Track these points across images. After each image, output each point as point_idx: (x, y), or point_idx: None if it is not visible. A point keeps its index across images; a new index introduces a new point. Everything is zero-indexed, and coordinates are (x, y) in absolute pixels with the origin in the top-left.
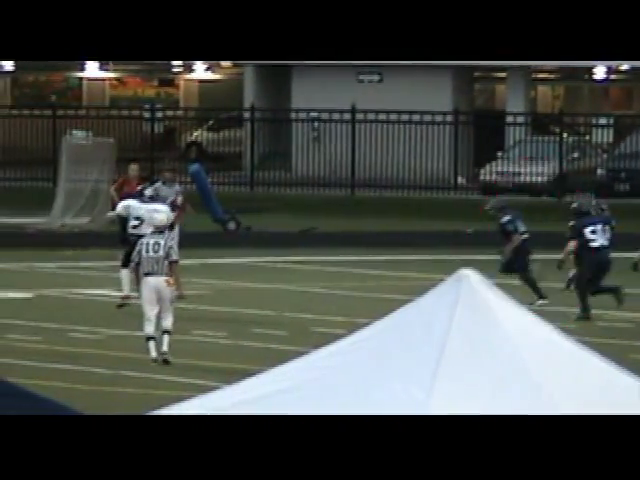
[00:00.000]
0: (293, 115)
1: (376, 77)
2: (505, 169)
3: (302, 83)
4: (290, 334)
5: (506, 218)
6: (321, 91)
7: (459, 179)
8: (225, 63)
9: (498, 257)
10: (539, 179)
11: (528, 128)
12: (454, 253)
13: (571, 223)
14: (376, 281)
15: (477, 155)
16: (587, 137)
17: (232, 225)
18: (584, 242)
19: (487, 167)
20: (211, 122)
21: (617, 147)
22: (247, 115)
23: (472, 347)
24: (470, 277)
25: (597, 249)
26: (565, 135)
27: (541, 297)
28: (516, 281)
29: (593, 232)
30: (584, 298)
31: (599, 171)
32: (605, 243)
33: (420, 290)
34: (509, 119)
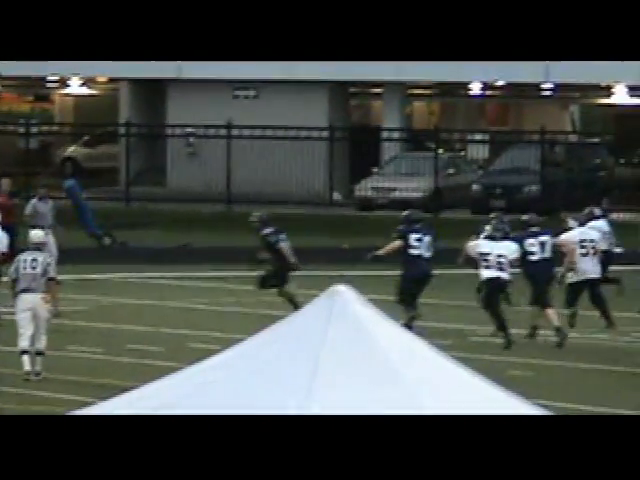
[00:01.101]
0: (168, 131)
1: (252, 93)
2: (380, 185)
3: (177, 98)
4: (166, 350)
5: (268, 230)
6: (197, 107)
7: (335, 195)
8: (101, 78)
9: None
10: (414, 195)
11: (404, 144)
12: (329, 269)
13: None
14: (252, 297)
15: (353, 171)
16: (462, 153)
17: (107, 240)
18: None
19: (362, 183)
20: (86, 137)
21: (492, 163)
22: (122, 130)
23: (345, 360)
24: (344, 293)
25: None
26: (440, 151)
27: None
28: (391, 297)
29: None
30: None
31: (474, 187)
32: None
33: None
34: (385, 135)
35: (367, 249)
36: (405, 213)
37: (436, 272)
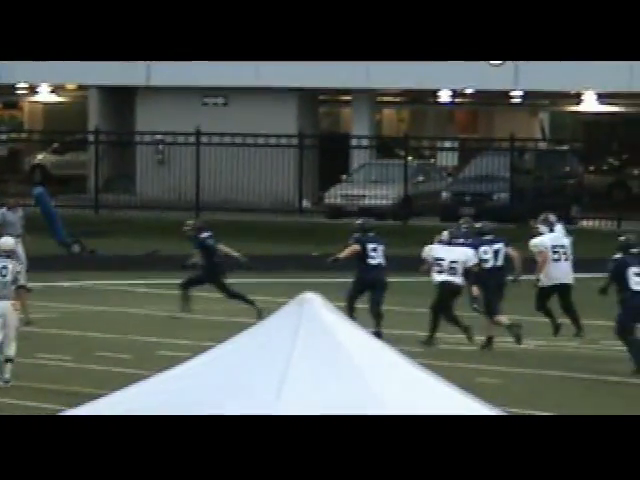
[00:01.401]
0: (138, 138)
1: (221, 100)
2: (350, 192)
3: (146, 106)
4: (135, 357)
5: (206, 234)
6: (166, 114)
7: (304, 202)
8: (70, 85)
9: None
10: (384, 202)
11: (373, 151)
12: (299, 276)
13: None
14: (221, 304)
15: (322, 178)
16: (432, 160)
17: (76, 248)
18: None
19: (332, 190)
20: (55, 145)
21: (462, 170)
22: (91, 138)
23: (314, 365)
24: (313, 300)
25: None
26: (410, 158)
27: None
28: (360, 305)
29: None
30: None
31: (444, 194)
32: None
33: (265, 313)
34: (354, 142)
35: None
36: (359, 222)
37: (405, 280)
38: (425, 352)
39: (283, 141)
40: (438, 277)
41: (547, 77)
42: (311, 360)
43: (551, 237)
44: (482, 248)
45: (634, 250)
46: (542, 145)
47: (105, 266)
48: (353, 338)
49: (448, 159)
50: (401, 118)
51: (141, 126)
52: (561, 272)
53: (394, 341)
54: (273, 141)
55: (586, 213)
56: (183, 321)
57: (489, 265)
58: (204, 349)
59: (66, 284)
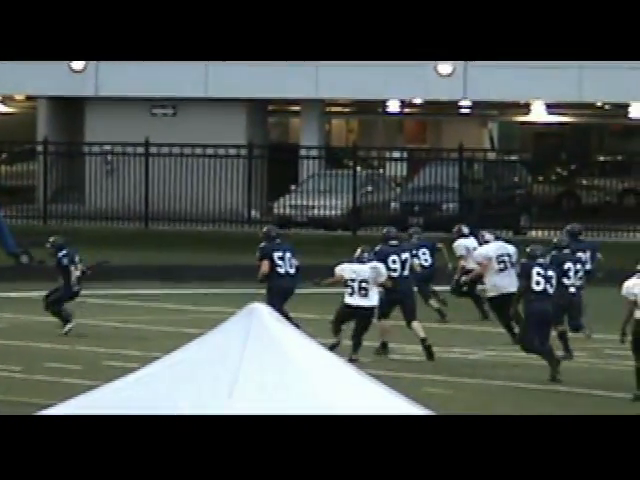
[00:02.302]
0: (86, 149)
1: (170, 110)
2: (299, 202)
3: (95, 117)
4: (84, 368)
5: (63, 252)
6: (114, 125)
7: (253, 212)
8: (18, 96)
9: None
10: (333, 212)
11: (322, 162)
12: (247, 287)
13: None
14: (170, 315)
15: (271, 188)
16: (381, 171)
17: (25, 259)
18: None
19: (281, 200)
20: (4, 155)
21: (411, 181)
22: (40, 148)
23: (263, 371)
24: (260, 310)
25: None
26: (359, 169)
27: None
28: (309, 315)
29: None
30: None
31: (393, 204)
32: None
33: (213, 323)
34: (303, 152)
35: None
36: (265, 230)
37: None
38: (373, 363)
39: (232, 151)
40: (348, 299)
41: (496, 87)
42: (259, 366)
43: (496, 246)
44: (391, 257)
45: (540, 260)
46: (491, 155)
47: (53, 277)
48: (296, 344)
49: (397, 169)
50: (350, 128)
51: (90, 137)
52: (507, 281)
53: (345, 352)
54: (222, 151)
55: (535, 223)
56: (131, 332)
57: (396, 275)
58: (152, 359)
59: (14, 294)
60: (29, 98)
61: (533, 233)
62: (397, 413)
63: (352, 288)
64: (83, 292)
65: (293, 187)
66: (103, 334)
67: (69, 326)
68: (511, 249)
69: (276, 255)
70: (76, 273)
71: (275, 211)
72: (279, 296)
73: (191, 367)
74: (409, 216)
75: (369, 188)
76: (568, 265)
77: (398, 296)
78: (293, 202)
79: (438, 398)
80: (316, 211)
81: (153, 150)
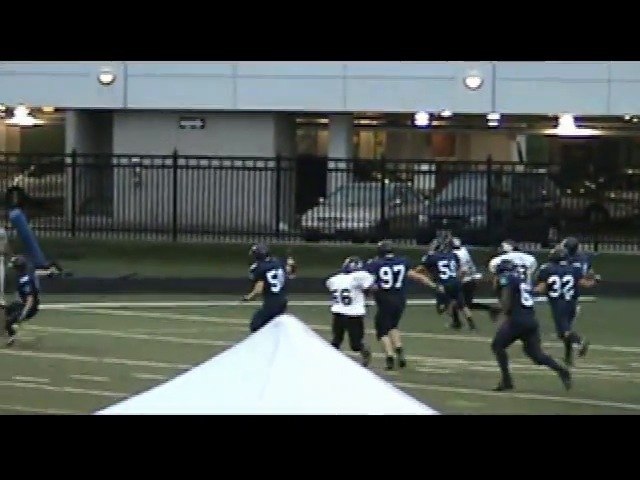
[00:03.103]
0: (115, 161)
1: (198, 123)
2: (327, 215)
3: (124, 129)
4: (111, 380)
5: (25, 279)
6: (143, 137)
7: (281, 225)
8: (47, 108)
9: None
10: (361, 225)
11: (350, 174)
12: None
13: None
14: (198, 327)
15: (299, 201)
16: (409, 183)
17: (53, 271)
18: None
19: (309, 213)
20: (33, 167)
21: (439, 194)
22: (69, 160)
23: (291, 382)
24: (288, 323)
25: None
26: (387, 181)
27: None
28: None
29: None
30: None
31: (421, 217)
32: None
33: (240, 336)
34: (331, 165)
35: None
36: (254, 248)
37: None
38: (400, 375)
39: (260, 164)
40: (334, 307)
41: (524, 100)
42: (287, 376)
43: (512, 257)
44: (383, 269)
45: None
46: (519, 168)
47: (82, 289)
48: (325, 357)
49: (425, 182)
50: (378, 141)
51: (118, 149)
52: None
53: (376, 364)
54: (250, 164)
55: (563, 236)
56: (158, 344)
57: (388, 286)
58: (180, 371)
59: (44, 307)
60: (58, 110)
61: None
62: (412, 415)
63: (336, 298)
64: (111, 304)
65: (321, 200)
66: (131, 346)
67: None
68: (528, 260)
69: (269, 275)
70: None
71: (303, 224)
72: (274, 314)
73: (221, 377)
74: (437, 229)
75: (397, 201)
76: (553, 278)
77: (390, 307)
78: (321, 215)
79: (468, 411)
80: (344, 224)
81: (181, 162)
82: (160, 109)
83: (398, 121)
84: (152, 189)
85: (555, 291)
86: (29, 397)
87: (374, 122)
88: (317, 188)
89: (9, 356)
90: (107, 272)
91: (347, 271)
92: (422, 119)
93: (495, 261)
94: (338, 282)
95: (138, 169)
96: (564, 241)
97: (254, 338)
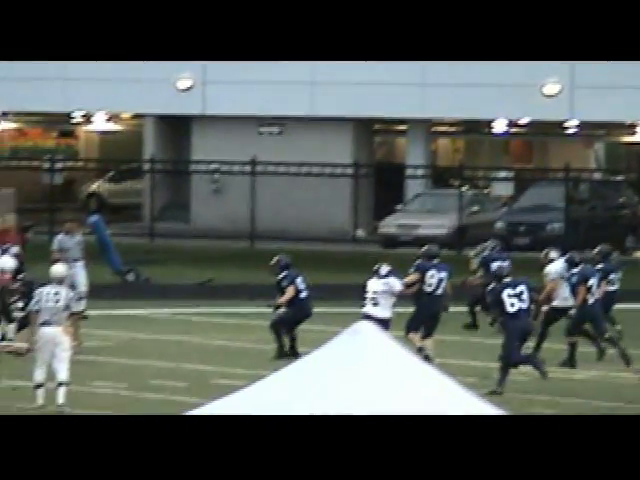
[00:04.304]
0: (193, 167)
1: (276, 129)
2: (405, 222)
3: (202, 135)
4: (189, 386)
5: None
6: (221, 143)
7: (358, 232)
8: (125, 114)
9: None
10: (439, 232)
11: (428, 181)
12: (352, 306)
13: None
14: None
15: (377, 208)
16: (487, 190)
17: (131, 276)
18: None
19: (387, 220)
20: (111, 173)
21: (516, 200)
22: (147, 166)
23: (374, 391)
24: (366, 330)
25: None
26: (465, 188)
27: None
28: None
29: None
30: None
31: (498, 224)
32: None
33: (318, 343)
34: (409, 172)
35: None
36: (278, 258)
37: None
38: (478, 383)
39: (338, 170)
40: (364, 308)
41: (602, 108)
42: (366, 383)
43: (559, 265)
44: (429, 272)
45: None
46: (597, 175)
47: (160, 294)
48: (405, 366)
49: (503, 189)
50: (456, 148)
51: (196, 155)
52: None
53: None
54: (328, 170)
55: None
56: (237, 350)
57: (430, 290)
58: (259, 378)
59: (121, 312)
60: (136, 116)
61: (639, 254)
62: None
63: (366, 299)
64: (188, 310)
65: (399, 206)
66: (209, 352)
67: None
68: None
69: (298, 280)
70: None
71: (380, 230)
72: (301, 318)
73: (300, 384)
74: (514, 236)
75: (475, 208)
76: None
77: (428, 311)
78: (399, 221)
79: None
80: (422, 230)
81: (259, 169)
82: (238, 115)
83: (476, 128)
84: (230, 195)
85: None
86: (107, 402)
87: (452, 129)
88: (395, 195)
89: (88, 361)
90: (185, 278)
91: (380, 275)
92: (500, 126)
93: (550, 267)
94: (370, 285)
95: (216, 175)
96: (598, 248)
97: (333, 345)
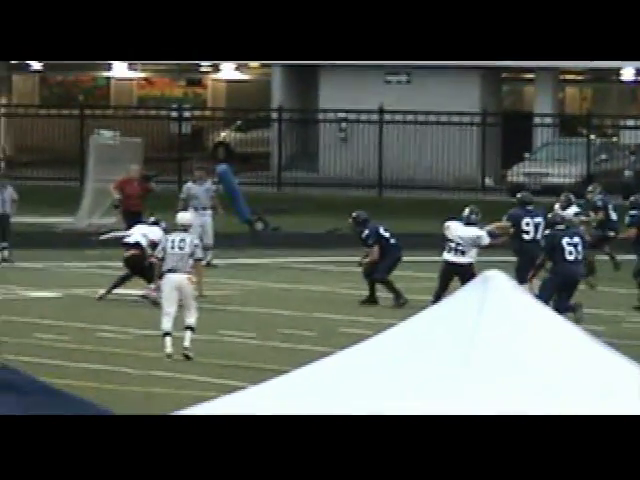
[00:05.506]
0: (320, 116)
1: (404, 78)
2: (533, 170)
3: (330, 84)
4: (318, 335)
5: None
6: (349, 92)
7: (486, 180)
8: (253, 63)
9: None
10: (566, 181)
11: (556, 130)
12: (480, 255)
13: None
14: (404, 282)
15: (505, 156)
16: (615, 139)
17: (260, 226)
18: None
19: (514, 168)
20: (239, 122)
21: None
22: (275, 116)
23: (499, 343)
24: (496, 278)
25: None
26: (593, 137)
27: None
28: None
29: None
30: None
31: (626, 173)
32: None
33: (446, 291)
34: (537, 120)
35: None
36: (355, 215)
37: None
38: (607, 331)
39: (466, 119)
40: (445, 255)
41: None
42: (495, 335)
43: None
44: (525, 220)
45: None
46: None
47: (288, 243)
48: (536, 317)
49: (631, 137)
50: (584, 96)
51: (324, 104)
52: None
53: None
54: (456, 119)
55: None
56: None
57: (529, 237)
58: (386, 327)
59: (249, 261)
60: (264, 65)
61: None
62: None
63: (449, 246)
64: (316, 259)
65: (527, 155)
66: (337, 301)
67: None
68: None
69: (381, 231)
70: None
71: (508, 179)
72: (393, 263)
73: (426, 335)
74: None
75: (603, 156)
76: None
77: (530, 257)
78: (527, 170)
79: None
80: (550, 179)
81: (387, 117)
82: (366, 65)
83: (604, 76)
84: (357, 144)
85: None
86: (235, 351)
87: (580, 77)
88: (522, 143)
89: (216, 310)
90: (313, 227)
91: (467, 222)
92: (628, 74)
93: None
94: (455, 230)
95: (344, 124)
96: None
97: (459, 294)
